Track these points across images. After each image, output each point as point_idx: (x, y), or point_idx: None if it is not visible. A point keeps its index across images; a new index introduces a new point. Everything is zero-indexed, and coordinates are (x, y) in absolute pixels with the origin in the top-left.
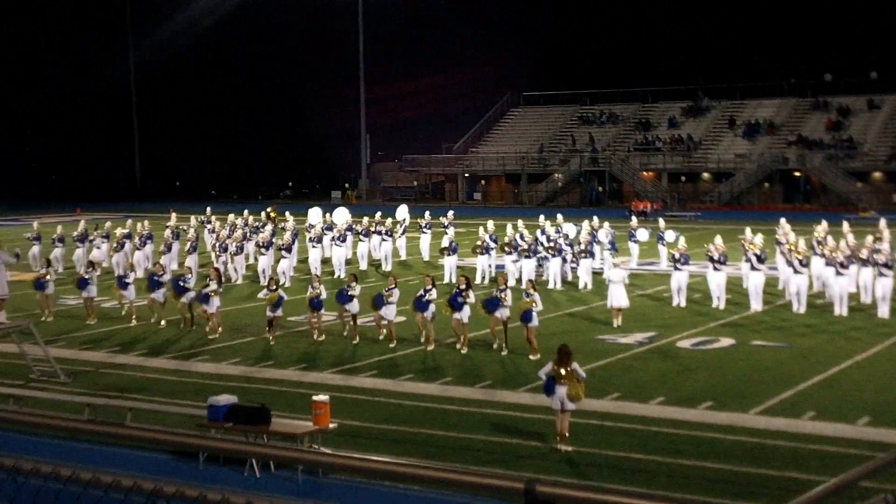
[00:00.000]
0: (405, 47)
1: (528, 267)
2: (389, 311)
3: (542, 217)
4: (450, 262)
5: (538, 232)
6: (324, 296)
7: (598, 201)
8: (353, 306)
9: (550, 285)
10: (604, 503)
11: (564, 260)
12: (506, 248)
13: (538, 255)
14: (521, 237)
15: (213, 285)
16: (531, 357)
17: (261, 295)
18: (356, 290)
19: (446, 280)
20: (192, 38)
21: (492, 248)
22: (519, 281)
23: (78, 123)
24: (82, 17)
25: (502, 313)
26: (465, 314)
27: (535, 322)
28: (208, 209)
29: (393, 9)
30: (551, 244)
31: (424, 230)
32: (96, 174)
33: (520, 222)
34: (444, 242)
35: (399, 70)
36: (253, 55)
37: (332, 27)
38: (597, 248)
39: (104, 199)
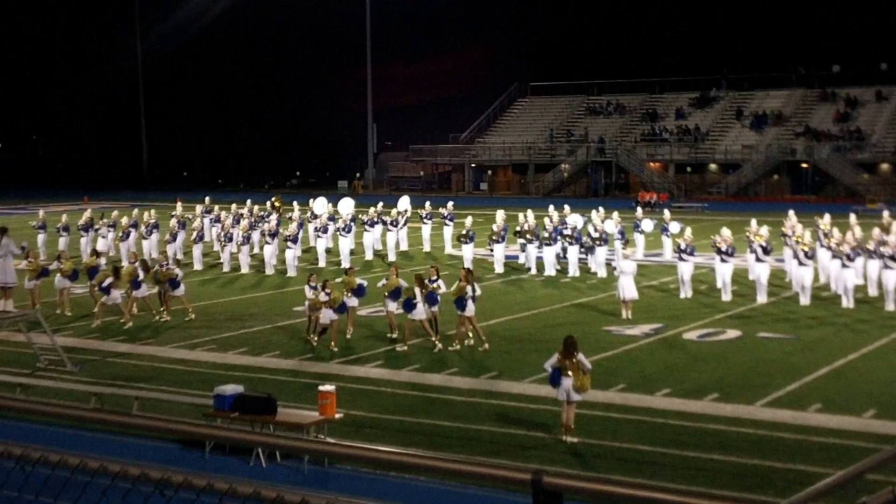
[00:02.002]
0: (412, 36)
1: (550, 255)
2: (419, 312)
3: (551, 207)
4: (467, 251)
5: (546, 221)
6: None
7: (605, 192)
8: (352, 300)
9: (570, 273)
10: (610, 494)
11: (586, 248)
12: (527, 237)
13: (558, 244)
14: (537, 227)
15: (177, 271)
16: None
17: (311, 295)
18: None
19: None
20: (199, 28)
21: (505, 237)
22: (540, 269)
23: (85, 112)
24: (90, 7)
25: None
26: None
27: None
28: (207, 198)
29: (399, 1)
30: (569, 233)
31: (425, 221)
32: (103, 163)
33: (529, 212)
34: (453, 230)
35: (406, 60)
36: (260, 45)
37: (339, 15)
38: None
39: (111, 188)
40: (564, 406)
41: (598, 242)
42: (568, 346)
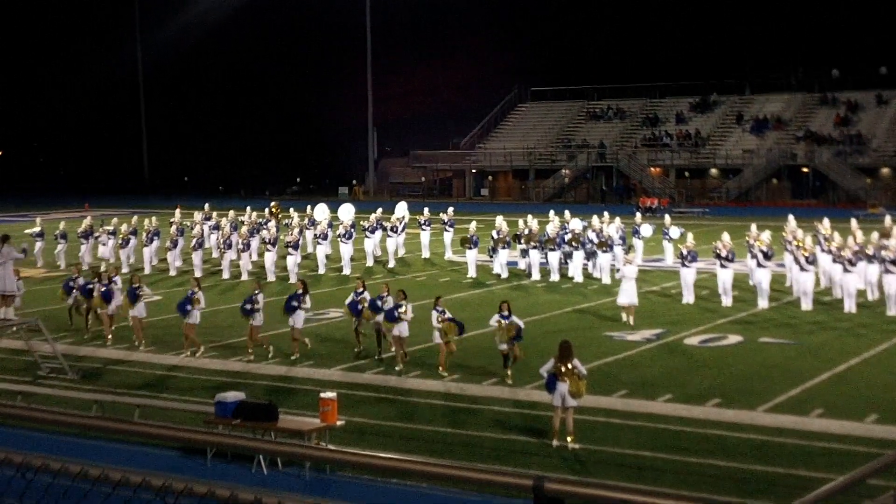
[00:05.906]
0: (413, 42)
1: (553, 260)
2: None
3: (551, 213)
4: (471, 256)
5: (548, 227)
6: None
7: (612, 196)
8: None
9: (576, 278)
10: (612, 500)
11: (588, 254)
12: (530, 243)
13: (563, 249)
14: (542, 233)
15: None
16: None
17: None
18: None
19: (470, 274)
20: (200, 34)
21: (510, 242)
22: (544, 274)
23: (86, 119)
24: (90, 14)
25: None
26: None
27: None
28: (206, 205)
29: (400, 2)
30: (574, 238)
31: (423, 227)
32: (104, 170)
33: (530, 217)
34: (452, 234)
35: (407, 65)
36: (261, 51)
37: (339, 22)
38: None
39: (112, 195)
40: (558, 412)
41: (603, 249)
42: (563, 351)
